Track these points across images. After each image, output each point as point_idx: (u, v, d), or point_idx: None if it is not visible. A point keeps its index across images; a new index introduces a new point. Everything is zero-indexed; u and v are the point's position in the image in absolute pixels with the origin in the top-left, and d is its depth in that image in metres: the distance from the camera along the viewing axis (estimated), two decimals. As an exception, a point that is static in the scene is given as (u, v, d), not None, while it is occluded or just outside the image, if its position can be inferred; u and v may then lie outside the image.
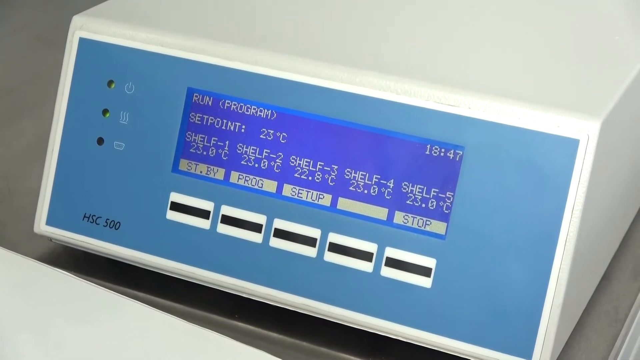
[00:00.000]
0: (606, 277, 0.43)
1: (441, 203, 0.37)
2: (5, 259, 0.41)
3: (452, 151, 0.36)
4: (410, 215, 0.37)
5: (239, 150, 0.39)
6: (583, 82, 0.39)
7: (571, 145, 0.35)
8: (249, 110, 0.39)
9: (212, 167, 0.40)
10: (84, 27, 0.42)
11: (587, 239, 0.36)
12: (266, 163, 0.39)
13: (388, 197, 0.37)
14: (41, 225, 0.42)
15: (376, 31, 0.43)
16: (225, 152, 0.40)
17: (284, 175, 0.39)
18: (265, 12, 0.45)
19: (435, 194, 0.37)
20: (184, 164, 0.40)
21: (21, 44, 0.66)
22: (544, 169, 0.35)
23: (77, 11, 0.43)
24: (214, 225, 0.40)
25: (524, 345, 0.35)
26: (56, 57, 0.45)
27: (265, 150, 0.39)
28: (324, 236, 0.38)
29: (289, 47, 0.40)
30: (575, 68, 0.41)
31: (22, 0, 0.74)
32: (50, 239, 0.43)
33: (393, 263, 0.37)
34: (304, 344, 0.39)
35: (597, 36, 0.46)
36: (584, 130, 0.35)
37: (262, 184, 0.39)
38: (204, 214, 0.40)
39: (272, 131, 0.39)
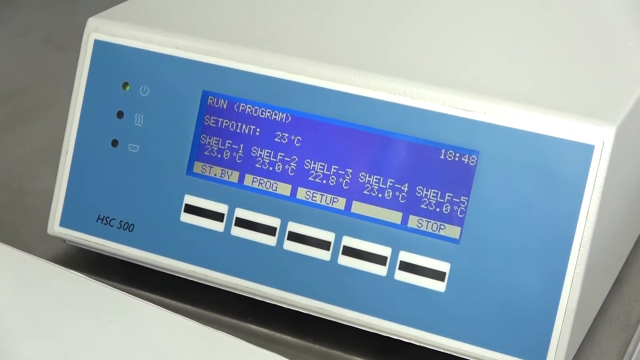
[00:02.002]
0: (618, 282, 0.43)
1: (455, 207, 0.36)
2: (18, 260, 0.41)
3: (466, 156, 0.36)
4: (424, 219, 0.37)
5: (254, 153, 0.39)
6: (597, 87, 0.39)
7: (586, 151, 0.34)
8: (264, 113, 0.39)
9: (226, 169, 0.40)
10: (99, 29, 0.42)
11: (600, 244, 0.36)
12: (280, 166, 0.39)
13: (402, 201, 0.37)
14: (55, 227, 0.42)
15: (391, 35, 0.43)
16: (239, 155, 0.39)
17: (298, 179, 0.39)
18: (280, 15, 0.45)
19: (449, 198, 0.36)
20: (198, 167, 0.40)
21: (30, 46, 0.66)
22: (558, 174, 0.35)
23: (85, 13, 0.42)
24: (227, 227, 0.40)
25: (538, 349, 0.35)
26: (65, 58, 0.45)
27: (279, 153, 0.39)
28: (337, 239, 0.38)
29: (304, 50, 0.40)
30: (590, 74, 0.41)
31: (30, 2, 0.74)
32: (63, 240, 0.43)
33: (407, 267, 0.37)
34: (317, 346, 0.39)
35: (610, 42, 0.46)
36: (599, 136, 0.34)
37: (276, 187, 0.39)
38: (218, 216, 0.40)
39: (286, 134, 0.39)
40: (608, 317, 0.41)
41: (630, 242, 0.45)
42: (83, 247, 0.43)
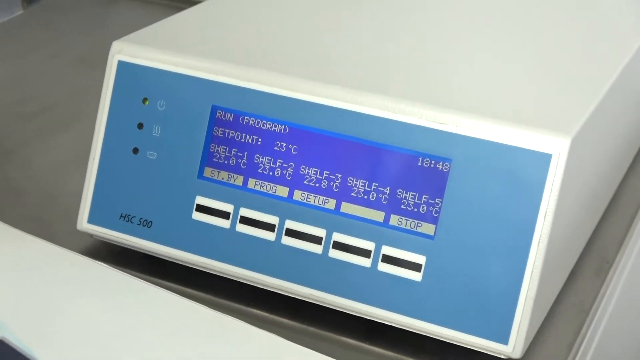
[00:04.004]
0: (573, 274, 0.43)
1: (431, 208, 0.36)
2: (51, 253, 0.41)
3: (441, 163, 0.36)
4: (403, 218, 0.37)
5: (256, 160, 0.39)
6: (557, 103, 0.39)
7: (544, 159, 0.35)
8: (265, 125, 0.39)
9: (232, 174, 0.40)
10: (122, 51, 0.42)
11: (556, 241, 0.36)
12: (279, 171, 0.39)
13: (385, 202, 0.37)
14: (83, 223, 0.42)
15: (376, 57, 0.43)
16: (243, 162, 0.39)
17: (295, 182, 0.39)
18: (280, 39, 0.45)
19: (425, 200, 0.36)
20: (208, 172, 0.40)
21: (63, 66, 0.66)
22: (520, 179, 0.35)
23: (115, 36, 0.43)
24: (233, 225, 0.40)
25: (502, 331, 0.35)
26: (94, 77, 0.45)
27: (278, 160, 0.39)
28: (328, 235, 0.38)
29: (300, 70, 0.40)
30: (551, 90, 0.41)
31: (64, 27, 0.73)
32: (90, 235, 0.43)
33: (388, 259, 0.37)
34: (310, 329, 0.39)
35: (571, 59, 0.46)
36: (556, 146, 0.35)
37: (275, 190, 0.39)
38: (225, 215, 0.40)
39: (284, 144, 0.39)
40: (564, 305, 0.41)
41: (584, 239, 0.45)
42: (107, 241, 0.43)
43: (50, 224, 0.46)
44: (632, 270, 0.50)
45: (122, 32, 0.43)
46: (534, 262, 0.35)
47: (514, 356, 0.35)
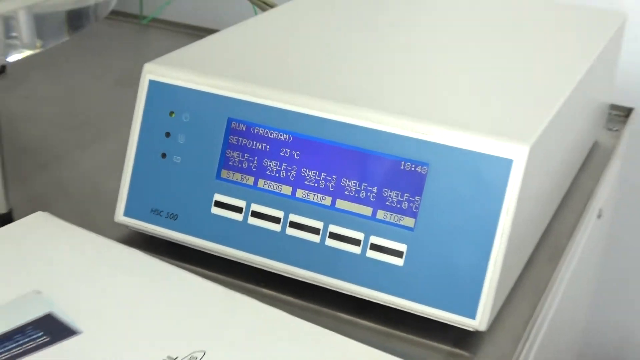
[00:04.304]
0: (530, 260, 0.43)
1: (411, 204, 0.37)
2: (93, 241, 0.41)
3: (420, 167, 0.36)
4: (388, 212, 0.37)
5: (265, 164, 0.39)
6: (519, 113, 0.39)
7: (507, 164, 0.35)
8: (272, 134, 0.39)
9: (245, 175, 0.40)
10: (153, 71, 0.42)
11: (516, 232, 0.36)
12: (284, 173, 0.39)
13: (372, 199, 0.37)
14: (119, 216, 0.43)
15: (365, 77, 0.43)
16: (254, 165, 0.40)
17: (297, 183, 0.39)
18: (287, 61, 0.45)
19: (407, 197, 0.37)
20: (224, 173, 0.40)
21: (104, 85, 0.66)
22: (487, 181, 0.35)
23: (146, 59, 0.43)
24: (245, 218, 0.40)
25: (470, 308, 0.36)
26: (129, 94, 0.46)
27: (283, 164, 0.39)
28: (325, 227, 0.38)
29: (303, 88, 0.40)
30: (514, 102, 0.41)
31: (105, 50, 0.74)
32: (126, 227, 0.43)
33: (375, 247, 0.37)
34: (310, 305, 0.39)
35: (533, 75, 0.46)
36: (517, 153, 0.35)
37: (280, 189, 0.39)
38: (238, 209, 0.40)
39: (289, 150, 0.39)
40: (522, 286, 0.41)
41: (540, 230, 0.45)
42: (140, 231, 0.43)
43: (92, 217, 0.46)
44: (580, 257, 0.50)
45: (152, 55, 0.43)
46: (497, 251, 0.35)
47: (480, 328, 0.36)
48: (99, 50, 0.72)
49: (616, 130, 0.60)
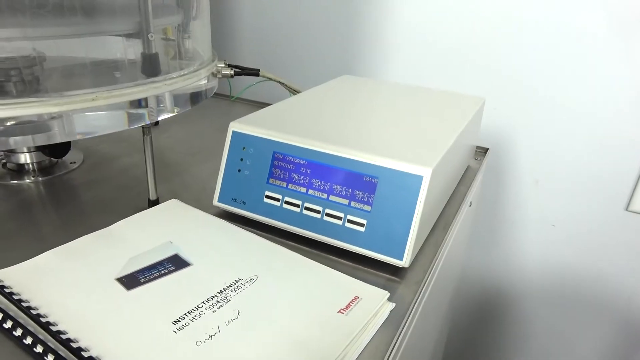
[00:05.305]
0: (432, 229, 0.43)
1: (369, 198, 0.36)
2: (201, 215, 0.41)
3: (374, 178, 0.36)
4: (357, 202, 0.37)
5: (292, 175, 0.39)
6: (426, 150, 0.38)
7: (419, 178, 0.35)
8: (295, 160, 0.39)
9: (281, 181, 0.39)
10: (234, 126, 0.41)
11: (425, 214, 0.36)
12: (301, 180, 0.39)
13: (348, 195, 0.37)
14: (215, 202, 0.42)
15: (346, 131, 0.41)
16: (286, 176, 0.39)
17: (309, 186, 0.38)
18: (303, 122, 0.43)
19: (366, 195, 0.37)
20: (271, 180, 0.40)
21: (209, 131, 0.63)
22: (409, 186, 0.35)
23: (232, 119, 0.41)
24: (281, 204, 0.39)
25: (400, 254, 0.36)
26: (223, 137, 0.44)
27: (301, 175, 0.39)
28: (323, 210, 0.38)
29: (311, 135, 0.39)
30: (424, 144, 0.39)
31: (211, 113, 0.70)
32: (219, 208, 0.42)
33: (350, 221, 0.37)
34: (314, 251, 0.39)
35: (436, 126, 0.44)
36: (425, 172, 0.35)
37: (300, 189, 0.39)
38: (277, 200, 0.39)
39: (304, 169, 0.38)
40: (428, 242, 0.41)
41: (438, 212, 0.44)
42: (227, 211, 0.42)
43: (201, 201, 0.44)
44: (459, 228, 0.49)
45: (235, 117, 0.42)
46: (414, 224, 0.35)
47: (405, 266, 0.36)
48: (208, 114, 0.69)
49: (479, 159, 0.59)
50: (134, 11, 0.37)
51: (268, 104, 0.76)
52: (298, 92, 0.63)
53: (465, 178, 0.54)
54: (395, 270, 0.37)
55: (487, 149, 0.63)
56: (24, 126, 0.32)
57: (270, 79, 0.61)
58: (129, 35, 0.39)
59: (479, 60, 0.70)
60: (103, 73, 0.45)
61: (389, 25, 0.73)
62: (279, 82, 0.62)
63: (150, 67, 0.39)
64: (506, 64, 0.69)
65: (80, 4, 0.41)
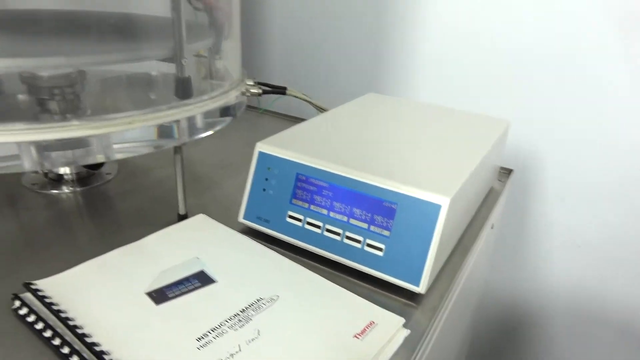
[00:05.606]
0: (452, 252, 0.42)
1: (388, 224, 0.36)
2: (227, 231, 0.42)
3: (393, 204, 0.36)
4: (376, 227, 0.37)
5: (314, 197, 0.39)
6: (446, 177, 0.37)
7: (437, 207, 0.35)
8: (318, 182, 0.39)
9: (304, 202, 0.40)
10: (260, 147, 0.42)
11: (442, 241, 0.36)
12: (323, 202, 0.39)
13: (367, 219, 0.37)
14: (240, 218, 0.42)
15: (368, 155, 0.41)
16: (309, 197, 0.39)
17: (330, 208, 0.39)
18: (326, 144, 0.43)
19: (385, 220, 0.37)
20: (294, 201, 0.40)
21: (239, 145, 0.63)
22: (427, 213, 0.35)
23: (260, 134, 0.42)
24: (303, 224, 0.40)
25: (417, 280, 0.36)
26: (250, 151, 0.42)
27: (323, 198, 0.39)
28: (343, 232, 0.38)
29: (333, 159, 0.39)
30: (444, 170, 0.39)
31: (242, 126, 0.69)
32: (244, 225, 0.43)
33: (369, 245, 0.37)
34: (335, 272, 0.39)
35: (456, 153, 0.43)
36: (443, 201, 0.35)
37: (321, 211, 0.39)
38: (299, 220, 0.40)
39: (326, 191, 0.39)
40: (446, 267, 0.41)
41: (457, 236, 0.44)
42: (251, 228, 0.42)
43: (228, 216, 0.45)
44: (479, 252, 0.48)
45: (263, 131, 0.41)
46: (432, 251, 0.35)
47: (421, 292, 0.36)
48: (237, 126, 0.68)
49: (503, 181, 0.58)
50: (169, 37, 0.39)
51: (294, 117, 0.76)
52: (324, 109, 0.62)
53: (488, 200, 0.53)
54: (412, 295, 0.37)
55: (511, 170, 0.63)
56: (65, 144, 0.34)
57: (296, 97, 0.62)
58: (163, 60, 0.41)
59: (504, 80, 0.70)
60: (138, 95, 0.47)
61: (415, 43, 0.73)
62: (305, 100, 0.63)
63: (183, 90, 0.40)
64: (531, 84, 0.68)
65: (120, 30, 0.44)
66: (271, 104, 0.79)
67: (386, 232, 0.36)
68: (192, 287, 0.34)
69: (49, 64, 0.33)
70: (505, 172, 0.60)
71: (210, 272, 0.36)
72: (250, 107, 0.79)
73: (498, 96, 0.71)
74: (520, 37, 0.67)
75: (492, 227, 0.52)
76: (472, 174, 0.40)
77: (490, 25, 0.68)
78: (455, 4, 0.69)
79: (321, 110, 0.65)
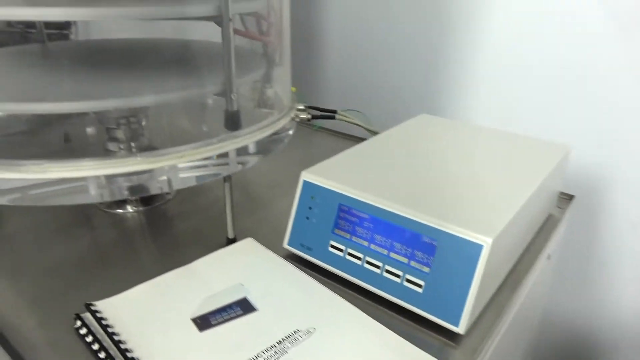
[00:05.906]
0: (501, 287, 0.41)
1: (428, 260, 0.36)
2: (271, 257, 0.42)
3: (433, 241, 0.36)
4: (416, 262, 0.37)
5: (355, 228, 0.39)
6: (490, 214, 0.36)
7: (479, 247, 0.34)
8: (360, 214, 0.39)
9: (345, 233, 0.40)
10: (305, 176, 0.42)
11: (484, 280, 0.35)
12: (364, 234, 0.39)
13: (408, 254, 0.37)
14: (285, 244, 0.43)
15: (412, 190, 0.40)
16: (350, 228, 0.40)
17: (371, 240, 0.39)
18: (370, 176, 0.42)
19: (425, 256, 0.36)
20: (336, 231, 0.40)
21: (289, 165, 0.62)
22: (468, 252, 0.34)
23: (311, 155, 0.43)
24: (344, 255, 0.40)
25: (457, 320, 0.35)
26: (298, 171, 0.43)
27: (364, 229, 0.39)
28: (383, 266, 0.38)
29: (376, 192, 0.39)
30: (489, 206, 0.38)
31: (293, 144, 0.70)
32: (289, 251, 0.43)
33: (408, 280, 0.37)
34: (374, 304, 0.39)
35: (504, 188, 0.41)
36: (485, 241, 0.34)
37: (362, 242, 0.39)
38: (341, 250, 0.40)
39: (367, 223, 0.39)
40: (491, 305, 0.39)
41: (505, 272, 0.42)
42: (295, 254, 0.43)
43: (274, 240, 0.45)
44: (533, 285, 0.46)
45: (316, 150, 0.39)
46: (472, 290, 0.34)
47: (461, 332, 0.35)
48: (291, 143, 0.61)
49: (563, 208, 0.55)
50: (219, 72, 0.41)
51: (348, 135, 0.77)
52: (375, 132, 0.61)
53: (545, 228, 0.51)
54: (453, 335, 0.36)
55: (572, 196, 0.59)
56: (130, 178, 0.37)
57: (346, 121, 0.63)
58: (214, 94, 0.43)
59: (567, 99, 0.66)
60: (194, 123, 0.49)
61: (472, 63, 0.72)
62: (355, 124, 0.63)
63: (233, 123, 0.42)
64: (595, 102, 0.64)
65: (178, 63, 0.47)
66: (325, 121, 0.81)
67: (426, 269, 0.36)
68: (235, 314, 0.35)
69: (109, 106, 0.36)
70: (566, 198, 0.57)
71: (252, 299, 0.37)
72: (304, 123, 0.79)
73: (560, 116, 0.68)
74: (583, 54, 0.64)
75: (548, 258, 0.49)
76: (523, 207, 0.38)
77: (553, 45, 0.65)
78: (513, 25, 0.67)
79: (372, 133, 0.65)
